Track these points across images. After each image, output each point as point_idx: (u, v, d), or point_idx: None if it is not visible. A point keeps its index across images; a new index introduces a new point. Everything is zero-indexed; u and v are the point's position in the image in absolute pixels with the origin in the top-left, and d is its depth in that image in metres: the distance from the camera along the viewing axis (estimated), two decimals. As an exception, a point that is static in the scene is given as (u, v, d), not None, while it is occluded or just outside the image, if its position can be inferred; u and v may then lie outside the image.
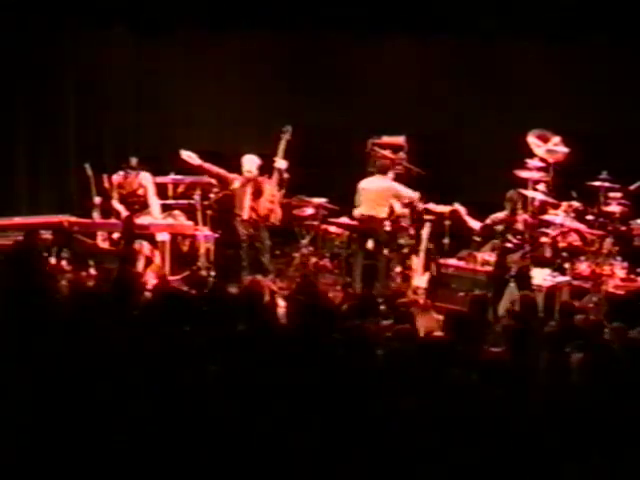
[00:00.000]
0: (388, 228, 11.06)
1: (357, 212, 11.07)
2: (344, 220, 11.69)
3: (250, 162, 11.30)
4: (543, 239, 10.84)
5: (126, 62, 12.98)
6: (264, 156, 11.47)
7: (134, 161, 11.17)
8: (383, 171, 11.18)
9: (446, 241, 11.44)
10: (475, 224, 11.10)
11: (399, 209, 11.19)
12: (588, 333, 6.87)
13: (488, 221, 11.00)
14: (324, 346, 6.14)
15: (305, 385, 5.36)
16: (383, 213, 10.96)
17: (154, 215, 11.16)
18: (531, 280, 10.07)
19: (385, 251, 11.14)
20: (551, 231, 10.88)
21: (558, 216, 11.16)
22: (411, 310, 8.34)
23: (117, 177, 11.14)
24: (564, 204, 11.27)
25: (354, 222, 11.31)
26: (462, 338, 6.48)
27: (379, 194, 10.97)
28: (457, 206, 11.15)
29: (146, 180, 11.23)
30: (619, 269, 10.55)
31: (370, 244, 11.02)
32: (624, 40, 10.63)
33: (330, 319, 6.95)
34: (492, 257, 10.74)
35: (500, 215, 10.97)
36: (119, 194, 11.10)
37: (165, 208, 11.51)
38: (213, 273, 10.81)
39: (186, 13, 11.22)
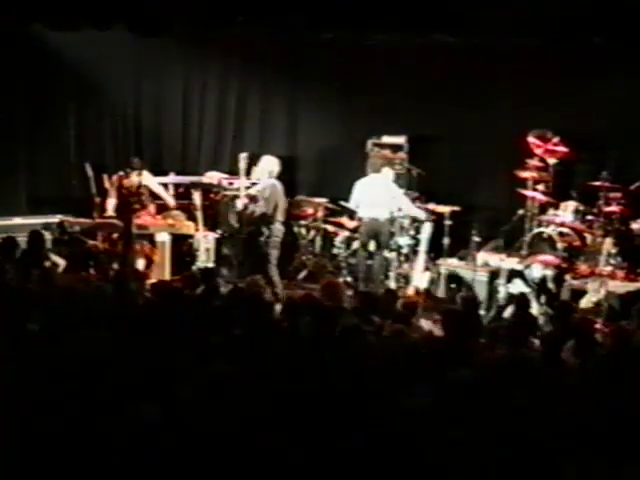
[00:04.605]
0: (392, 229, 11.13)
1: (361, 213, 11.05)
2: (345, 220, 11.74)
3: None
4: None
5: (126, 62, 12.98)
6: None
7: (136, 161, 11.19)
8: (377, 169, 11.16)
9: (446, 241, 11.46)
10: None
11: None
12: (584, 333, 6.87)
13: None
14: (324, 345, 6.15)
15: (305, 384, 5.37)
16: (386, 213, 10.95)
17: (170, 204, 11.31)
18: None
19: (385, 252, 11.16)
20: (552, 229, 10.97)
21: (558, 216, 11.19)
22: (412, 310, 8.35)
23: (117, 176, 11.13)
24: (564, 204, 11.29)
25: (356, 223, 11.33)
26: (459, 336, 6.49)
27: (378, 195, 10.94)
28: None
29: (148, 180, 11.24)
30: (619, 269, 10.54)
31: (372, 245, 11.03)
32: (624, 40, 10.62)
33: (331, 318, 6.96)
34: (492, 257, 10.77)
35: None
36: (118, 193, 11.08)
37: (165, 208, 11.52)
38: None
39: (186, 13, 11.21)
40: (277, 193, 10.53)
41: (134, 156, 11.50)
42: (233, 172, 11.86)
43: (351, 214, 11.57)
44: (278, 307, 7.96)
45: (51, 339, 6.08)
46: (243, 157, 10.71)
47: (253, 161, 10.88)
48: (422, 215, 11.10)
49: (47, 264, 9.26)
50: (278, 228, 10.50)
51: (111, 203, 11.05)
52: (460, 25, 10.85)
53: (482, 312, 9.49)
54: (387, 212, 10.95)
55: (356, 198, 11.09)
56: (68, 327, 6.25)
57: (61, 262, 9.64)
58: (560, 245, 10.90)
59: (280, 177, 10.69)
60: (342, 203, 11.63)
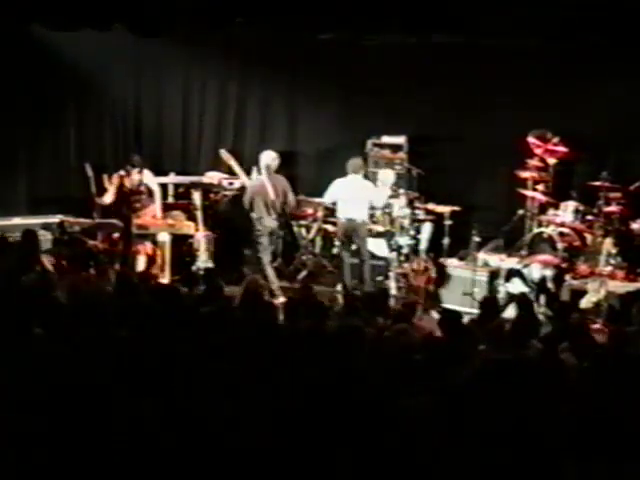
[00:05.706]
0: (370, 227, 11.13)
1: (338, 214, 11.04)
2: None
3: None
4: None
5: (126, 62, 12.99)
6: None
7: (137, 158, 11.18)
8: (357, 170, 11.11)
9: (446, 241, 11.46)
10: None
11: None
12: (582, 333, 6.88)
13: None
14: (323, 345, 6.15)
15: (304, 384, 5.37)
16: (363, 214, 10.91)
17: (156, 213, 11.23)
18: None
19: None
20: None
21: (558, 216, 11.20)
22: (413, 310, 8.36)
23: (118, 175, 11.10)
24: (564, 204, 11.29)
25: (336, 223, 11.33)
26: (457, 337, 6.50)
27: (357, 195, 10.91)
28: None
29: (148, 179, 11.24)
30: (619, 269, 10.55)
31: (354, 245, 11.03)
32: (624, 40, 10.63)
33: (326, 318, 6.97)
34: (492, 257, 10.78)
35: None
36: (118, 191, 11.06)
37: (165, 208, 11.52)
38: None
39: (186, 13, 11.21)
40: (258, 188, 10.70)
41: (134, 156, 11.49)
42: (232, 172, 11.87)
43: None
44: (276, 303, 7.98)
45: (51, 339, 6.08)
46: (224, 152, 11.00)
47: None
48: (380, 202, 11.10)
49: (37, 268, 9.18)
50: (262, 223, 10.62)
51: (108, 197, 11.00)
52: (460, 25, 10.85)
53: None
54: (365, 213, 10.92)
55: (333, 195, 11.04)
56: (69, 327, 6.25)
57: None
58: (560, 245, 10.91)
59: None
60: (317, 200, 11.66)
